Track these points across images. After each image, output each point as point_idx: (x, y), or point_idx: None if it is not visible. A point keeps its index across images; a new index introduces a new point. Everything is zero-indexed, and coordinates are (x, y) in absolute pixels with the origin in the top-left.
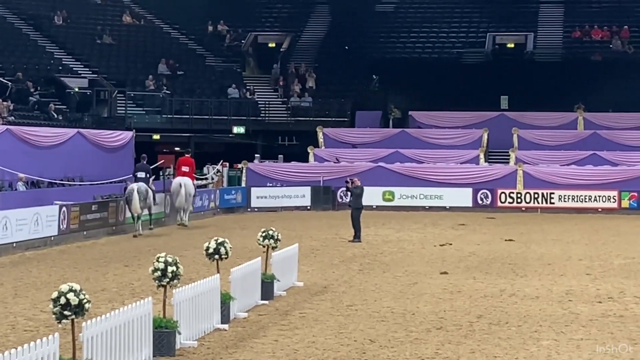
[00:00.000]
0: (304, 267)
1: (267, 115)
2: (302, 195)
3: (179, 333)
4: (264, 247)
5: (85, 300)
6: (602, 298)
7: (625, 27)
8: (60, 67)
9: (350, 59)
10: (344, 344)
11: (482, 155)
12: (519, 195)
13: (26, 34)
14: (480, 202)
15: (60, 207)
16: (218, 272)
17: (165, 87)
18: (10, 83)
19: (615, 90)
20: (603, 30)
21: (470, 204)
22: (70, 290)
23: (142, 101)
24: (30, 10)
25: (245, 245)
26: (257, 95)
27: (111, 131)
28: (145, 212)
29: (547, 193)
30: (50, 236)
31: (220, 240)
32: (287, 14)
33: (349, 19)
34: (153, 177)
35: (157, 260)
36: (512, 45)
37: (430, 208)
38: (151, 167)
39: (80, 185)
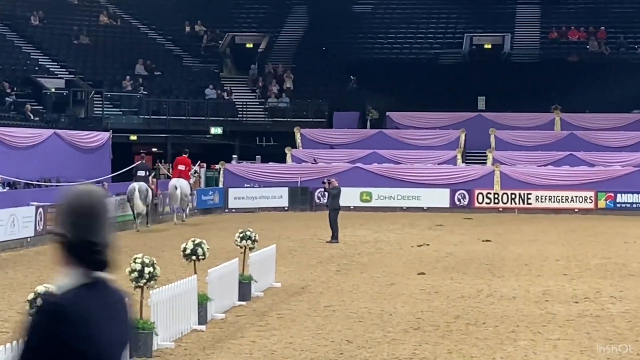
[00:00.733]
0: (281, 268)
1: (244, 116)
2: (280, 196)
3: (156, 334)
4: (241, 248)
5: None
6: (578, 298)
7: (602, 28)
8: (36, 68)
9: (328, 60)
10: (322, 344)
11: (459, 156)
12: (496, 195)
13: (2, 34)
14: (457, 202)
15: (37, 208)
16: (195, 273)
17: (142, 88)
18: None
19: (592, 91)
20: (580, 31)
21: (447, 205)
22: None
23: (119, 102)
24: (6, 11)
25: (222, 246)
26: (235, 96)
27: (88, 132)
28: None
29: (524, 194)
30: (27, 237)
31: (198, 241)
32: (265, 14)
33: (326, 20)
34: (152, 175)
35: (134, 261)
36: (489, 46)
37: (408, 209)
38: (128, 169)
39: (56, 186)
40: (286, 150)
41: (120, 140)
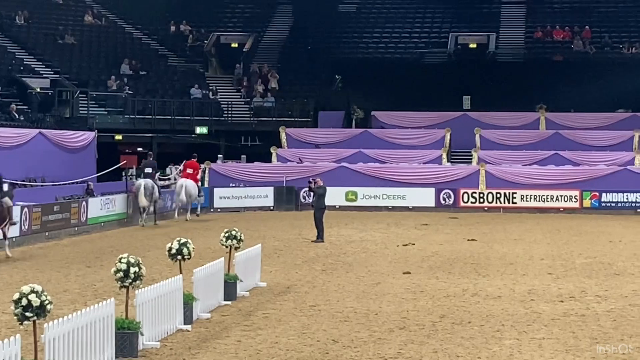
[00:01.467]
0: (267, 268)
1: (229, 115)
2: (265, 196)
3: (142, 334)
4: (226, 247)
5: (47, 302)
6: (564, 297)
7: (587, 27)
8: (21, 68)
9: (313, 59)
10: (307, 344)
11: (444, 155)
12: (481, 195)
13: None
14: (442, 202)
15: (22, 207)
16: (181, 272)
17: (127, 88)
18: None
19: (577, 90)
20: (564, 30)
21: (433, 204)
22: (32, 291)
23: (104, 101)
24: None
25: (208, 245)
26: (220, 95)
27: (73, 132)
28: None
29: (509, 193)
30: (12, 237)
31: (183, 240)
32: (250, 14)
33: (311, 19)
34: (158, 172)
35: (120, 261)
36: (475, 46)
37: (393, 208)
38: (113, 168)
39: (42, 185)
40: (271, 150)
41: (106, 140)
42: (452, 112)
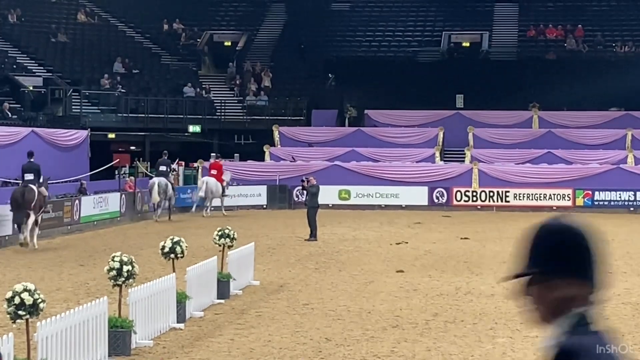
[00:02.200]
0: (260, 266)
1: (222, 114)
2: (258, 194)
3: (135, 332)
4: (220, 246)
5: (39, 300)
6: None
7: (580, 26)
8: (14, 66)
9: (306, 58)
10: (300, 342)
11: (437, 154)
12: (474, 193)
13: None
14: (436, 200)
15: None
16: (174, 271)
17: (120, 86)
18: None
19: (570, 88)
20: (557, 29)
21: (426, 203)
22: (25, 289)
23: (97, 100)
24: None
25: (201, 244)
26: (213, 94)
27: (66, 130)
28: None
29: (502, 191)
30: (5, 236)
31: (176, 239)
32: (243, 12)
33: (304, 18)
34: (174, 170)
35: (113, 260)
36: (468, 44)
37: (386, 206)
38: (106, 167)
39: None
40: (264, 149)
41: (99, 139)
42: (445, 111)
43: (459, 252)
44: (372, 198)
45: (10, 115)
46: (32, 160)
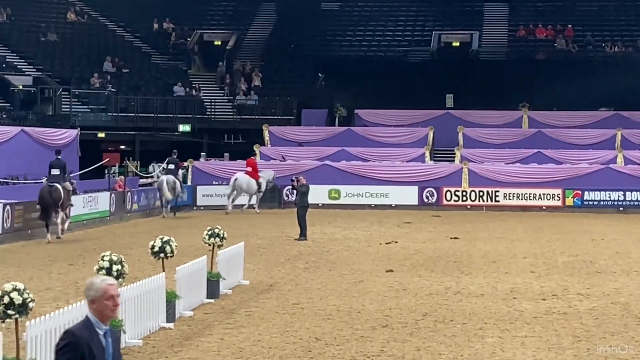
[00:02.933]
0: (249, 266)
1: (213, 113)
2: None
3: (124, 332)
4: (209, 245)
5: (29, 300)
6: (546, 295)
7: (569, 26)
8: (4, 65)
9: (296, 57)
10: (290, 342)
11: (427, 154)
12: (464, 193)
13: None
14: (425, 200)
15: (5, 205)
16: (163, 270)
17: (110, 85)
18: None
19: (560, 88)
20: (547, 29)
21: (415, 202)
22: (14, 289)
23: (86, 99)
24: None
25: (191, 243)
26: (203, 93)
27: (56, 129)
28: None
29: (492, 191)
30: None
31: (166, 238)
32: (233, 12)
33: (294, 17)
34: (183, 170)
35: (102, 259)
36: (458, 44)
37: (376, 206)
38: (96, 166)
39: (24, 183)
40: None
41: (88, 138)
42: (435, 111)
43: (449, 251)
44: (362, 198)
45: None
46: (59, 157)
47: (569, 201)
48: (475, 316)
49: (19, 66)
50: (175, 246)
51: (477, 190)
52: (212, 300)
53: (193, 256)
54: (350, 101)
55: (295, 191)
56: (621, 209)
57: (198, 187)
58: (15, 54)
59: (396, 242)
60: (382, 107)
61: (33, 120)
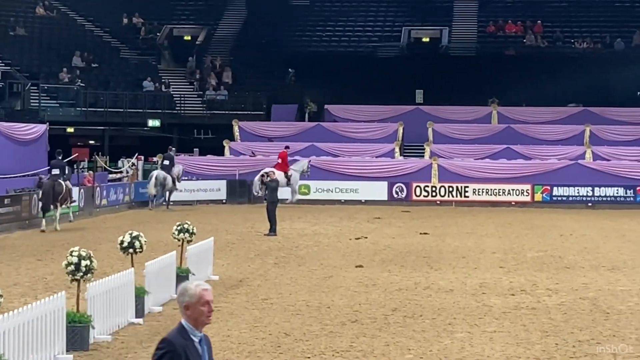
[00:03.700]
0: (219, 261)
1: (182, 108)
2: (218, 189)
3: (93, 327)
4: (179, 240)
5: None
6: (515, 291)
7: (539, 22)
8: None
9: (266, 53)
10: (259, 337)
11: (397, 149)
12: (433, 188)
13: None
14: (395, 195)
15: None
16: (132, 266)
17: (79, 80)
18: None
19: (529, 84)
20: (517, 25)
21: (385, 198)
22: None
23: (55, 94)
24: None
25: (160, 239)
26: (173, 88)
27: (24, 124)
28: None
29: (461, 186)
30: None
31: (135, 234)
32: (203, 7)
33: (264, 13)
34: (181, 168)
35: (71, 254)
36: (427, 40)
37: (346, 202)
38: (65, 161)
39: None
40: (224, 143)
41: (57, 133)
42: (405, 106)
43: (418, 247)
44: (331, 193)
45: None
46: (59, 157)
47: (538, 197)
48: (444, 311)
49: None
50: (145, 241)
51: (446, 185)
52: None
53: (162, 252)
54: (320, 97)
55: (264, 186)
56: (590, 204)
57: None
58: None
59: (366, 237)
60: (352, 103)
61: (1, 115)
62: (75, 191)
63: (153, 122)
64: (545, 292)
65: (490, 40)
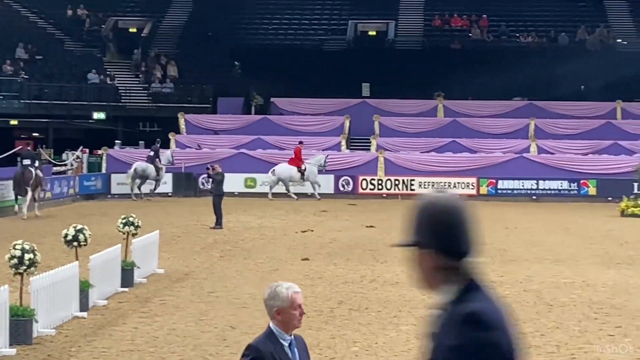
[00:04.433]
0: (164, 254)
1: (128, 101)
2: (164, 182)
3: (36, 321)
4: (124, 234)
5: None
6: None
7: (484, 16)
8: None
9: (213, 45)
10: (205, 330)
11: (343, 142)
12: (380, 182)
13: None
14: (341, 188)
15: None
16: (77, 259)
17: (23, 72)
18: None
19: (475, 78)
20: (462, 19)
21: (332, 191)
22: None
23: None
24: None
25: (105, 232)
26: (118, 80)
27: None
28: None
29: (407, 180)
30: None
31: (79, 227)
32: None
33: (210, 5)
34: (169, 152)
35: (14, 248)
36: (374, 33)
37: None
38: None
39: None
40: (170, 136)
41: (0, 125)
42: (352, 99)
43: (365, 240)
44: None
45: None
46: (29, 149)
47: (483, 190)
48: (390, 304)
49: None
50: (89, 235)
51: (392, 178)
52: (126, 289)
53: (107, 245)
54: (267, 90)
55: (210, 179)
56: (534, 197)
57: (112, 175)
58: None
59: (312, 230)
60: (298, 96)
61: None
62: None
63: (98, 115)
64: (490, 285)
65: (437, 34)
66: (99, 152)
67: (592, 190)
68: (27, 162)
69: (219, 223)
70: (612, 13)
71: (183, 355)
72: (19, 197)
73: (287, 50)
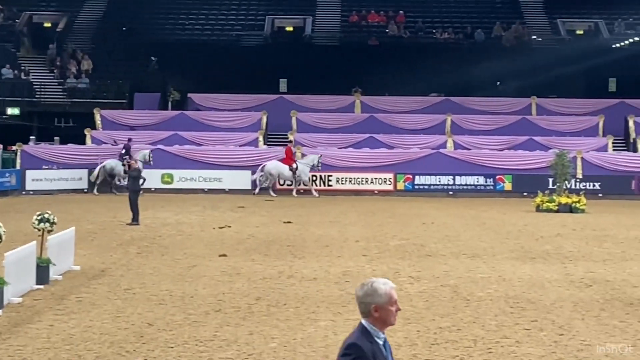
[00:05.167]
0: (81, 251)
1: (42, 96)
2: (79, 178)
3: None
4: (39, 230)
5: None
6: None
7: (401, 12)
8: None
9: (129, 40)
10: (122, 327)
11: (261, 138)
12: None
13: None
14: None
15: None
16: None
17: None
18: None
19: (392, 74)
20: (379, 15)
21: (249, 187)
22: None
23: None
24: None
25: (20, 229)
26: (32, 76)
27: None
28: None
29: (324, 175)
30: None
31: None
32: None
33: (127, 0)
34: (147, 153)
35: None
36: (291, 29)
37: (210, 191)
38: None
39: None
40: (86, 132)
41: None
42: (269, 95)
43: (282, 236)
44: (195, 182)
45: None
46: None
47: (400, 185)
48: (308, 300)
49: None
50: (4, 231)
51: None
52: (41, 286)
53: (22, 242)
54: (183, 85)
55: (126, 175)
56: (451, 192)
57: (27, 172)
58: None
59: (229, 226)
60: (215, 91)
61: None
62: None
63: (12, 110)
64: (407, 280)
65: (354, 29)
66: (13, 147)
67: (507, 186)
68: None
69: (135, 219)
70: (527, 9)
71: (99, 353)
72: None
73: (204, 45)
